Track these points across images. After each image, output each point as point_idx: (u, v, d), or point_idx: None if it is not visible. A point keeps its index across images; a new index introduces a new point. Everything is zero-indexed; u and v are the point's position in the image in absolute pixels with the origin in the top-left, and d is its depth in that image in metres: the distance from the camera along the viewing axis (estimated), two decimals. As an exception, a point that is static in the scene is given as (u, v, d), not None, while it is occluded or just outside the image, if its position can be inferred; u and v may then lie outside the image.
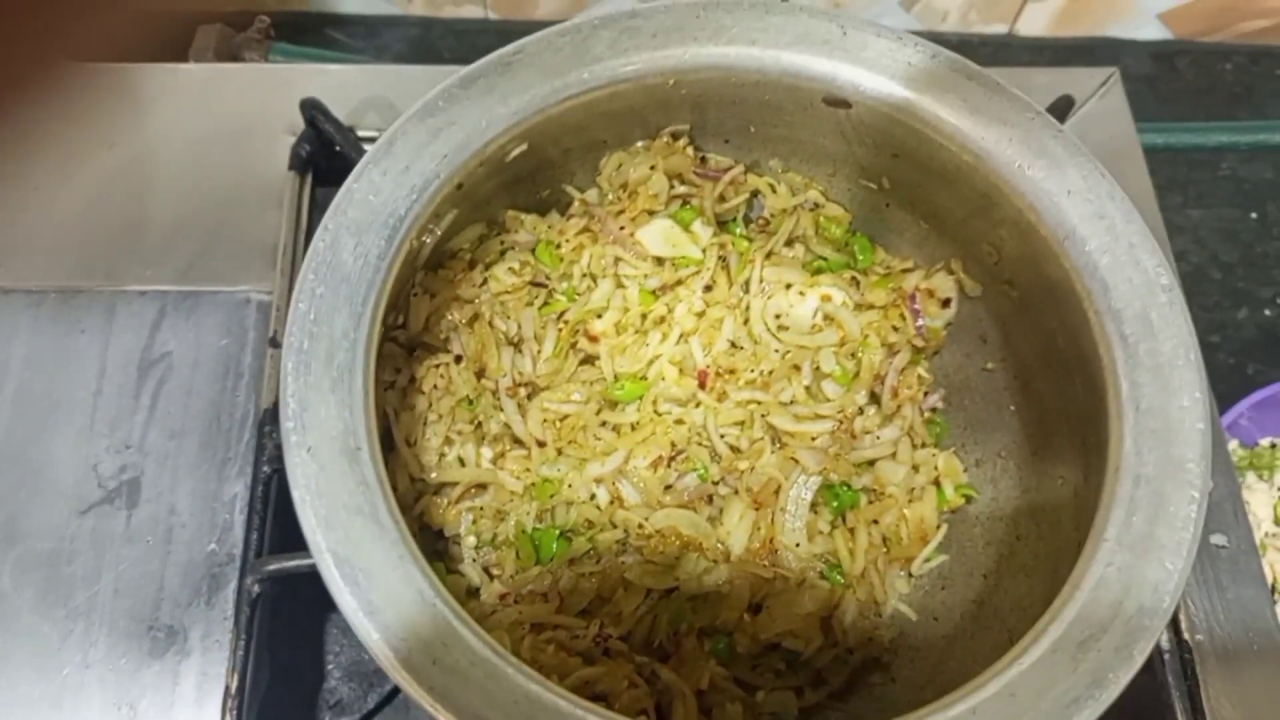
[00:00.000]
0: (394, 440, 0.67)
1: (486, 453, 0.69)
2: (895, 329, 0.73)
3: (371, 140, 0.79)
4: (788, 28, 0.66)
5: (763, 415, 0.70)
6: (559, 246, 0.73)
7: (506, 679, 0.48)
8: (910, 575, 0.70)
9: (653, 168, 0.72)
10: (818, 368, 0.71)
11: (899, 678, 0.67)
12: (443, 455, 0.68)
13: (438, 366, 0.69)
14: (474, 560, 0.67)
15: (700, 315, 0.72)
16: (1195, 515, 0.53)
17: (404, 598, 0.49)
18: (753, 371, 0.71)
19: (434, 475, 0.67)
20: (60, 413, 0.72)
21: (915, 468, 0.71)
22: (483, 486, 0.68)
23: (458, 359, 0.69)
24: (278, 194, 0.80)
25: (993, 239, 0.67)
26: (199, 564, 0.68)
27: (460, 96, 0.63)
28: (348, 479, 0.52)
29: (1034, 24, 1.31)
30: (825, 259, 0.76)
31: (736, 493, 0.69)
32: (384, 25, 1.29)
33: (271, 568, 0.62)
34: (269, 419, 0.70)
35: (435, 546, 0.68)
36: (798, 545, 0.68)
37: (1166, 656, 0.65)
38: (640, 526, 0.67)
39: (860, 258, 0.76)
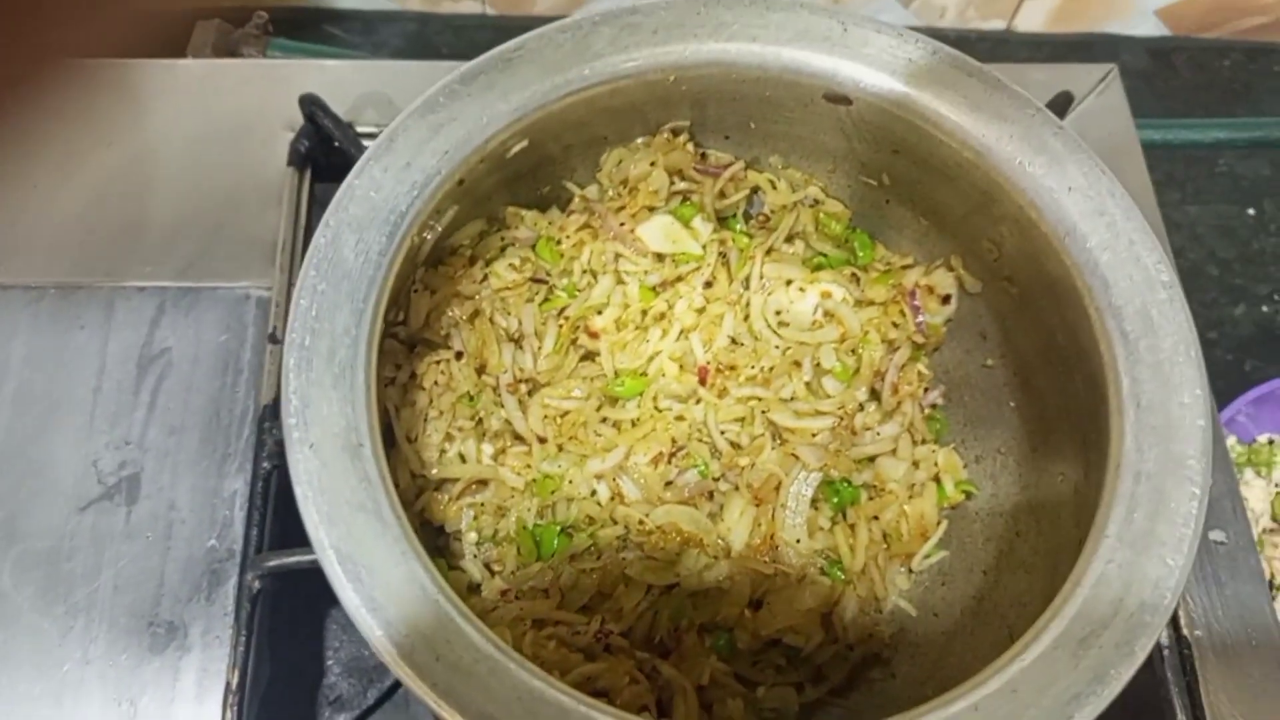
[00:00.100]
0: (395, 436, 0.67)
1: (487, 449, 0.69)
2: (895, 325, 0.73)
3: (370, 136, 0.80)
4: (788, 24, 0.66)
5: (763, 411, 0.70)
6: (559, 243, 0.73)
7: (509, 675, 0.48)
8: (910, 571, 0.71)
9: (653, 164, 0.72)
10: (818, 364, 0.71)
11: (899, 673, 0.68)
12: (443, 451, 0.68)
13: (438, 363, 0.69)
14: (475, 556, 0.67)
15: (700, 311, 0.72)
16: (1196, 512, 0.53)
17: (406, 594, 0.49)
18: (753, 368, 0.71)
19: (435, 471, 0.67)
20: (60, 409, 0.72)
21: (915, 464, 0.71)
22: (484, 483, 0.68)
23: (458, 355, 0.69)
24: (276, 190, 0.79)
25: (993, 235, 0.67)
26: (199, 560, 0.68)
27: (461, 93, 0.63)
28: (350, 475, 0.52)
29: (1031, 20, 1.31)
30: (825, 255, 0.76)
31: (737, 489, 0.69)
32: (381, 21, 1.29)
33: (272, 564, 0.62)
34: (269, 415, 0.70)
35: (436, 542, 0.68)
36: (798, 541, 0.68)
37: (1165, 652, 0.65)
38: (641, 523, 0.67)
39: (860, 254, 0.76)
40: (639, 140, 0.73)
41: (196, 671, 0.65)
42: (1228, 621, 0.69)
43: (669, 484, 0.69)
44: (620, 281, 0.73)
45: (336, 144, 0.79)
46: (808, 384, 0.71)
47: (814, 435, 0.70)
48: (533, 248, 0.73)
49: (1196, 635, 0.68)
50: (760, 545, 0.68)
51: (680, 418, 0.70)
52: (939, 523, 0.71)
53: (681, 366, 0.71)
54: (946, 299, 0.73)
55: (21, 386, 0.72)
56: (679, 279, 0.73)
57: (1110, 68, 0.89)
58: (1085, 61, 0.90)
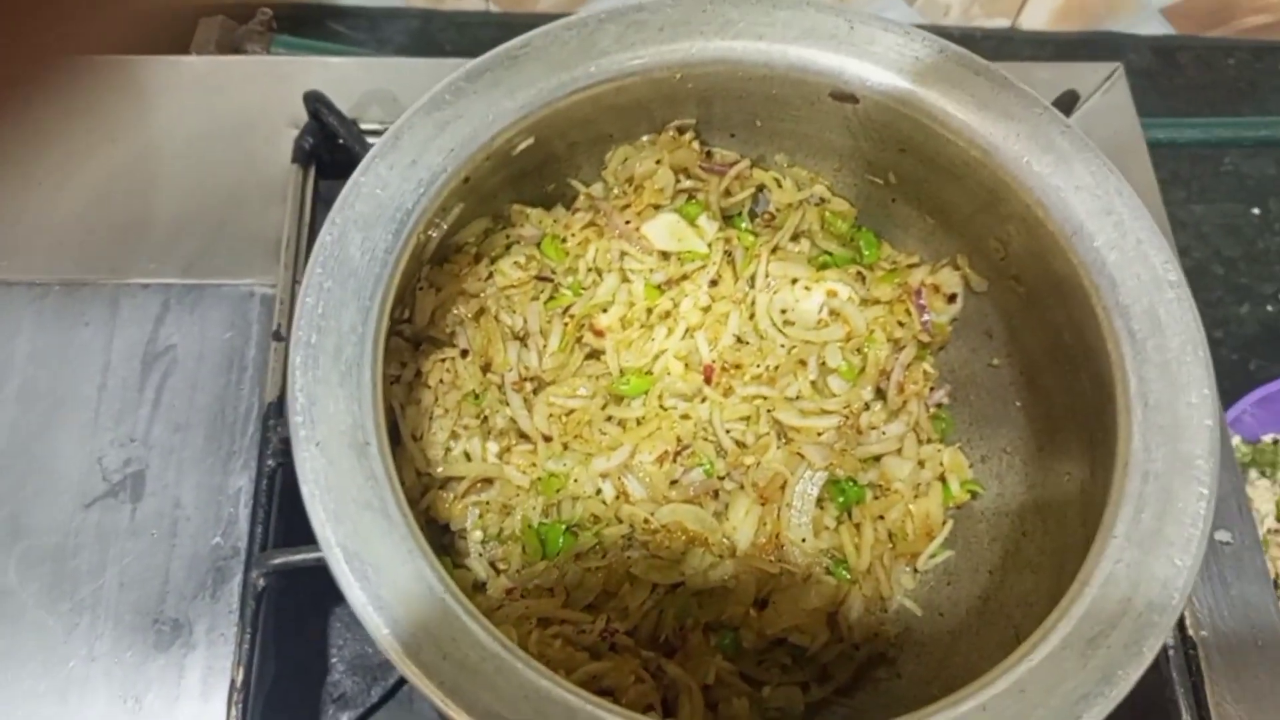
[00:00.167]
0: (400, 435, 0.67)
1: (492, 447, 0.68)
2: (901, 324, 0.73)
3: (375, 134, 0.80)
4: (795, 22, 0.66)
5: (768, 410, 0.70)
6: (564, 241, 0.73)
7: (516, 674, 0.48)
8: (916, 571, 0.70)
9: (658, 162, 0.72)
10: (823, 363, 0.71)
11: (904, 673, 0.68)
12: (449, 450, 0.68)
13: (444, 361, 0.69)
14: (480, 555, 0.67)
15: (706, 310, 0.72)
16: (1204, 512, 0.53)
17: (413, 592, 0.49)
18: (758, 367, 0.71)
19: (440, 470, 0.67)
20: (64, 406, 0.71)
21: (921, 463, 0.71)
22: (489, 481, 0.68)
23: (464, 353, 0.69)
24: (280, 187, 0.79)
25: (999, 234, 0.67)
26: (204, 557, 0.68)
27: (467, 90, 0.63)
28: (356, 473, 0.51)
29: (1036, 18, 1.31)
30: (831, 254, 0.76)
31: (742, 488, 0.69)
32: (385, 18, 1.29)
33: (277, 561, 0.62)
34: (273, 412, 0.70)
35: (441, 541, 0.68)
36: (804, 541, 0.68)
37: (1171, 652, 0.65)
38: (646, 521, 0.67)
39: (866, 253, 0.76)
40: (644, 138, 0.73)
41: (201, 669, 0.65)
42: (1233, 622, 0.69)
43: (674, 483, 0.69)
44: (625, 280, 0.72)
45: (341, 141, 0.79)
46: (813, 383, 0.71)
47: (819, 434, 0.70)
48: (538, 246, 0.73)
49: (1202, 635, 0.68)
50: (765, 544, 0.68)
51: (685, 416, 0.70)
52: (944, 522, 0.70)
53: (687, 365, 0.71)
54: (952, 298, 0.73)
55: (26, 384, 0.72)
56: (684, 277, 0.73)
57: (1116, 66, 0.89)
58: (1089, 60, 0.90)
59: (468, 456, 0.68)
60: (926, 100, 0.64)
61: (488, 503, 0.68)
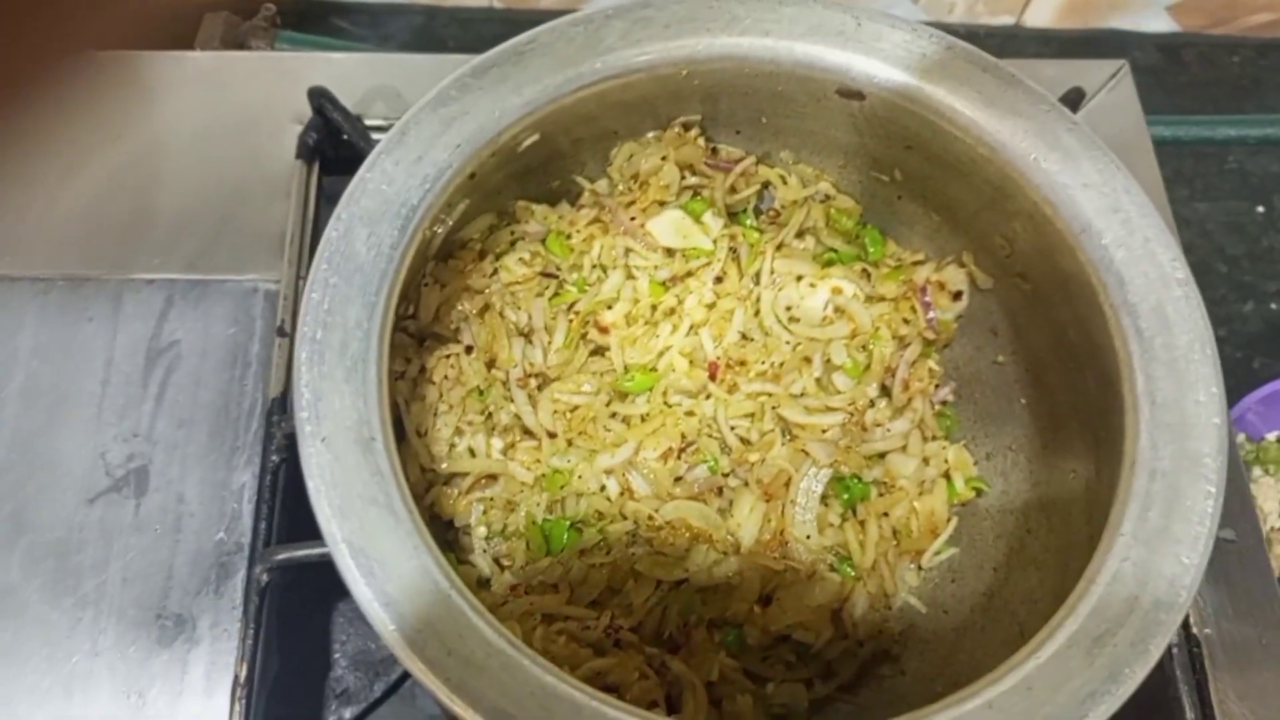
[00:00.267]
0: (405, 430, 0.67)
1: (497, 443, 0.68)
2: (906, 321, 0.73)
3: (379, 130, 0.80)
4: (801, 18, 0.66)
5: (773, 407, 0.70)
6: (569, 237, 0.73)
7: (522, 670, 0.48)
8: (920, 568, 0.70)
9: (664, 158, 0.72)
10: (828, 360, 0.71)
11: (909, 670, 0.68)
12: (453, 446, 0.68)
13: (448, 357, 0.69)
14: (484, 551, 0.67)
15: (711, 307, 0.72)
16: (1211, 510, 0.53)
17: (419, 588, 0.49)
18: (763, 363, 0.71)
19: (444, 466, 0.67)
20: (68, 401, 0.71)
21: (926, 460, 0.71)
22: (493, 477, 0.68)
23: (468, 349, 0.69)
24: (284, 183, 0.79)
25: (1006, 231, 0.67)
26: (207, 553, 0.68)
27: (473, 86, 0.62)
28: (362, 469, 0.51)
29: (1041, 15, 1.30)
30: (836, 251, 0.76)
31: (747, 485, 0.69)
32: (388, 14, 1.29)
33: (281, 557, 0.62)
34: (277, 408, 0.70)
35: (445, 537, 0.68)
36: (808, 537, 0.68)
37: (1174, 650, 0.65)
38: (650, 518, 0.67)
39: (871, 250, 0.76)
40: (650, 134, 0.73)
41: (205, 664, 0.65)
42: (1237, 619, 0.69)
43: (679, 479, 0.69)
44: (630, 276, 0.72)
45: (345, 137, 0.79)
46: (818, 380, 0.71)
47: (824, 431, 0.70)
48: (543, 242, 0.73)
49: (1206, 634, 0.68)
50: (770, 541, 0.68)
51: (690, 413, 0.70)
52: (949, 519, 0.70)
53: (691, 362, 0.71)
54: (958, 295, 0.73)
55: (29, 379, 0.72)
56: (689, 274, 0.73)
57: (1121, 64, 0.89)
58: (1094, 57, 0.90)
59: (472, 453, 0.68)
60: (933, 97, 0.64)
61: (492, 499, 0.68)
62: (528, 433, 0.69)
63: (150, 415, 0.71)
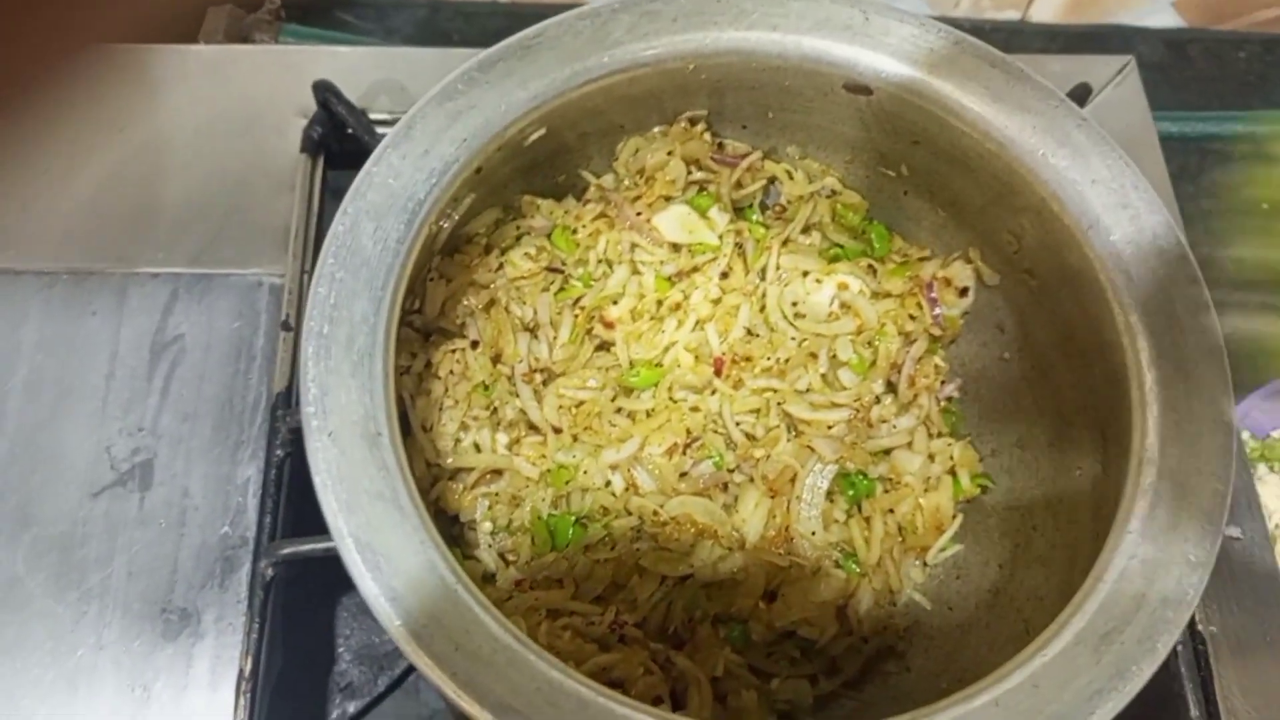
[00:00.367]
0: (410, 425, 0.67)
1: (502, 438, 0.68)
2: (912, 317, 0.73)
3: (383, 123, 0.79)
4: (809, 13, 0.66)
5: (779, 403, 0.70)
6: (575, 232, 0.73)
7: (528, 665, 0.48)
8: (925, 564, 0.70)
9: (670, 153, 0.72)
10: (834, 356, 0.71)
11: (914, 666, 0.67)
12: (458, 441, 0.68)
13: (454, 352, 0.69)
14: (490, 546, 0.67)
15: (716, 302, 0.72)
16: (1219, 508, 0.52)
17: (426, 584, 0.49)
18: (769, 359, 0.71)
19: (450, 461, 0.67)
20: (72, 395, 0.71)
21: (931, 457, 0.71)
22: (498, 472, 0.68)
23: (474, 344, 0.69)
24: (289, 177, 0.79)
25: (1013, 227, 0.67)
26: (212, 547, 0.68)
27: (479, 80, 0.62)
28: (368, 464, 0.51)
29: (1046, 10, 1.30)
30: (842, 246, 0.76)
31: (752, 480, 0.69)
32: (392, 7, 1.28)
33: (286, 551, 0.62)
34: (282, 402, 0.70)
35: (451, 532, 0.68)
36: (813, 533, 0.68)
37: (1180, 647, 0.65)
38: (655, 513, 0.67)
39: (877, 245, 0.76)
40: (656, 129, 0.72)
41: (210, 658, 0.64)
42: (1242, 616, 0.69)
43: (684, 475, 0.69)
44: (636, 271, 0.72)
45: (350, 131, 0.78)
46: (824, 376, 0.71)
47: (830, 427, 0.70)
48: (548, 237, 0.73)
49: (1211, 630, 0.67)
50: (775, 537, 0.68)
51: (695, 409, 0.70)
52: (954, 516, 0.70)
53: (697, 357, 0.71)
54: (964, 291, 0.72)
55: (33, 373, 0.72)
56: (695, 269, 0.72)
57: (1128, 59, 0.88)
58: (1099, 53, 0.90)
59: (477, 448, 0.68)
60: (941, 92, 0.64)
61: (497, 494, 0.68)
62: (533, 428, 0.69)
63: (155, 409, 0.71)
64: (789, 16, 0.66)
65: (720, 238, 0.73)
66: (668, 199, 0.73)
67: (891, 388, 0.73)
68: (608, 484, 0.68)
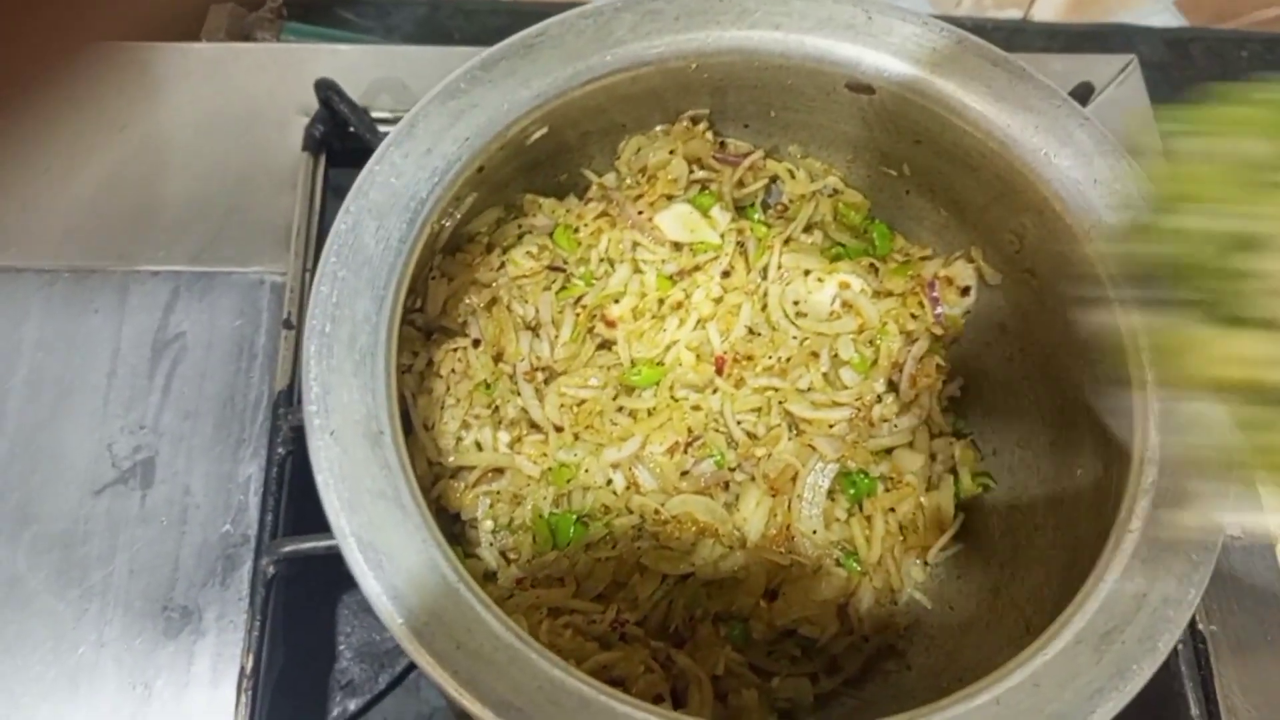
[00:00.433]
0: (412, 424, 0.67)
1: (504, 437, 0.68)
2: (914, 317, 0.73)
3: (385, 122, 0.79)
4: (811, 12, 0.66)
5: (780, 402, 0.70)
6: (577, 231, 0.73)
7: (530, 664, 0.48)
8: (926, 563, 0.70)
9: (672, 152, 0.72)
10: (836, 355, 0.71)
11: (914, 665, 0.68)
12: (460, 439, 0.68)
13: (455, 350, 0.69)
14: (491, 544, 0.67)
15: (718, 301, 0.72)
16: (1222, 508, 0.52)
17: (427, 582, 0.49)
18: (770, 358, 0.71)
19: (451, 459, 0.67)
20: (73, 393, 0.71)
21: (932, 456, 0.71)
22: (500, 471, 0.68)
23: (475, 343, 0.69)
24: (290, 175, 0.79)
25: (1014, 227, 0.67)
26: (213, 545, 0.68)
27: (482, 79, 0.62)
28: (370, 463, 0.51)
29: (1048, 9, 1.30)
30: (844, 245, 0.76)
31: (753, 479, 0.69)
32: (394, 5, 1.28)
33: (287, 549, 0.62)
34: (283, 400, 0.70)
35: (452, 530, 0.68)
36: (814, 532, 0.68)
37: (1180, 646, 0.65)
38: (656, 512, 0.67)
39: (879, 245, 0.76)
40: (658, 128, 0.72)
41: (211, 656, 0.65)
42: (1242, 615, 0.69)
43: (685, 474, 0.69)
44: (638, 270, 0.72)
45: (351, 129, 0.78)
46: (825, 375, 0.71)
47: (831, 426, 0.70)
48: (550, 235, 0.73)
49: (1211, 630, 0.68)
50: (776, 536, 0.68)
51: (697, 407, 0.70)
52: (955, 515, 0.70)
53: (698, 356, 0.71)
54: (966, 290, 0.72)
55: (34, 371, 0.72)
56: (697, 268, 0.72)
57: (1130, 59, 0.88)
58: (1101, 52, 0.89)
59: (479, 446, 0.68)
60: (944, 91, 0.64)
61: (498, 492, 0.68)
62: (534, 426, 0.69)
63: (156, 407, 0.71)
64: (791, 15, 0.66)
65: (722, 236, 0.73)
66: (669, 198, 0.73)
67: (893, 387, 0.73)
68: (609, 482, 0.68)
